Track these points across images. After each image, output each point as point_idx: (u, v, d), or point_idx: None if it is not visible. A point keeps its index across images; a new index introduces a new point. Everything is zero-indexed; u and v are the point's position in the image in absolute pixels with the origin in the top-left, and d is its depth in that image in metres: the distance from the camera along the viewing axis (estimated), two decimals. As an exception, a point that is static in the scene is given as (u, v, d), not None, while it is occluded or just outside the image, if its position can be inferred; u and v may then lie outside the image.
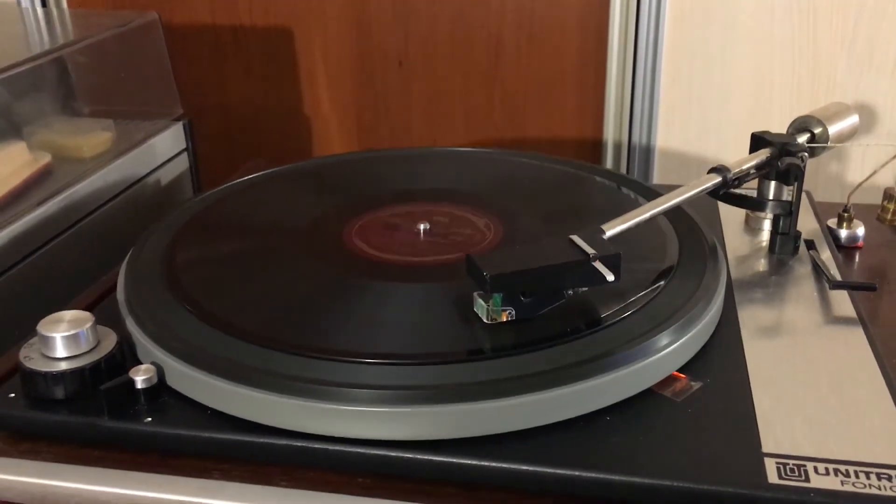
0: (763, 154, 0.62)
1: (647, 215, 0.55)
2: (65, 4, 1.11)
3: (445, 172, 0.75)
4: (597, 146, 1.06)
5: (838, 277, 0.60)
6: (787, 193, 0.63)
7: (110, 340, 0.50)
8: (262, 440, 0.45)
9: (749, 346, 0.53)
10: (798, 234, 0.64)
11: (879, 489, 0.41)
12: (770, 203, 0.63)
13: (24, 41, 0.93)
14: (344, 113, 1.13)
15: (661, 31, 0.95)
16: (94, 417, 0.47)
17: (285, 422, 0.45)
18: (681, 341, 0.49)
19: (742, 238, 0.67)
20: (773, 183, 0.63)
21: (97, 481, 0.45)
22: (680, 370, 0.50)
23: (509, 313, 0.50)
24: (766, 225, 0.67)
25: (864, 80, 0.93)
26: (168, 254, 0.60)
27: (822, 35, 0.92)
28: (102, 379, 0.48)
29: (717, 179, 0.60)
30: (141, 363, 0.49)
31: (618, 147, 1.03)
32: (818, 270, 0.61)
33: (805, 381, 0.49)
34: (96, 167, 0.80)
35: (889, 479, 0.41)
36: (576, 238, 0.51)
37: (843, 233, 0.70)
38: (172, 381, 0.48)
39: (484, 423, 0.44)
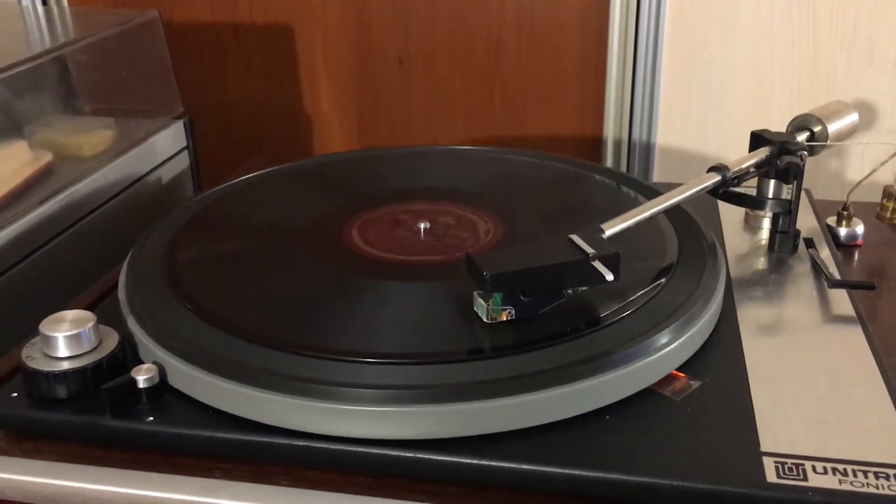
0: (762, 152, 0.62)
1: (646, 214, 0.56)
2: (65, 3, 1.11)
3: (446, 171, 0.75)
4: (597, 145, 1.06)
5: (837, 276, 0.60)
6: (787, 192, 0.63)
7: (112, 340, 0.50)
8: (263, 439, 0.45)
9: (748, 344, 0.53)
10: (797, 233, 0.64)
11: (877, 488, 0.41)
12: (769, 201, 0.63)
13: (24, 40, 0.93)
14: (344, 111, 1.13)
15: (661, 30, 0.95)
16: (96, 417, 0.47)
17: (286, 421, 0.45)
18: (680, 340, 0.50)
19: (741, 236, 0.67)
20: (772, 181, 0.63)
21: (99, 480, 0.46)
22: (679, 369, 0.50)
23: (509, 313, 0.50)
24: (766, 223, 0.67)
25: (863, 79, 0.93)
26: (169, 253, 0.60)
27: (821, 34, 0.93)
28: (104, 378, 0.48)
29: (717, 178, 0.60)
30: (143, 363, 0.49)
31: (618, 145, 1.03)
32: (817, 269, 0.61)
33: (804, 380, 0.49)
34: (97, 166, 0.80)
35: (887, 478, 0.41)
36: (575, 237, 0.51)
37: (843, 231, 0.70)
38: (174, 381, 0.49)
39: (484, 422, 0.45)
